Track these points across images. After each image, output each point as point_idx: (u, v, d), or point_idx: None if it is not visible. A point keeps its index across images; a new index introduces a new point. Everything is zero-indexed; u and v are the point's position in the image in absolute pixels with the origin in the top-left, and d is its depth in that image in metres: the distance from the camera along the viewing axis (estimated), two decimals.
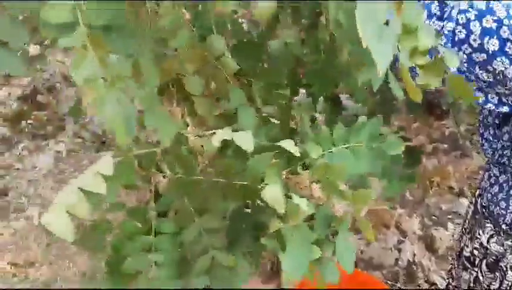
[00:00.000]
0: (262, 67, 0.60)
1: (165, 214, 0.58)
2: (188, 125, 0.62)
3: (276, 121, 0.64)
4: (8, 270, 2.12)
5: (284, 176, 0.53)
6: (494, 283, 0.96)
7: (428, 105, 2.71)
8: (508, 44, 0.66)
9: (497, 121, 0.91)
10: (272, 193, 0.46)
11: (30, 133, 2.88)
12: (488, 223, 0.97)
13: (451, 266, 1.18)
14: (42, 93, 3.05)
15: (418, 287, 2.06)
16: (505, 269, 0.94)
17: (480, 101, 0.74)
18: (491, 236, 0.97)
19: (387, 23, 0.38)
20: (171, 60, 0.58)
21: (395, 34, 0.39)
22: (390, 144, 0.56)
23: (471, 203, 1.09)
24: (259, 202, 0.52)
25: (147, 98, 0.48)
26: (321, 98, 0.77)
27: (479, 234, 0.99)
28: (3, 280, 2.08)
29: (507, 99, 0.73)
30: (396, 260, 2.15)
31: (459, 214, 2.38)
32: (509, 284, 0.93)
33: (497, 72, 0.68)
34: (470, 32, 0.68)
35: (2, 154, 2.75)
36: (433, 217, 2.39)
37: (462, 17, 0.68)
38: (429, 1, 0.72)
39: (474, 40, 0.68)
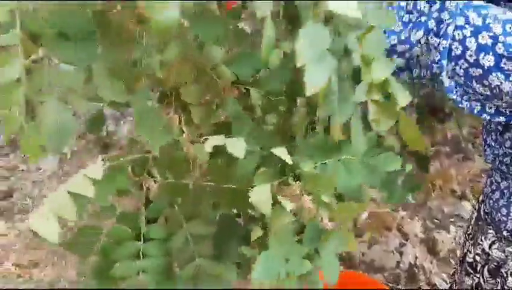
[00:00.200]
0: (261, 76, 0.60)
1: (155, 221, 0.58)
2: (183, 132, 0.63)
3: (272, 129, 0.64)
4: (13, 271, 2.14)
5: (276, 187, 0.53)
6: (495, 289, 0.97)
7: (430, 108, 2.70)
8: (504, 60, 0.67)
9: (499, 127, 0.91)
10: (259, 194, 0.46)
11: None
12: (490, 229, 0.98)
13: (454, 270, 1.18)
14: None
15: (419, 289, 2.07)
16: (505, 275, 0.94)
17: (476, 111, 0.75)
18: (493, 242, 0.97)
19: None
20: (167, 70, 0.58)
21: (334, 63, 0.39)
22: (387, 160, 0.55)
23: (474, 209, 1.10)
24: (249, 211, 0.53)
25: (138, 108, 0.49)
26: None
27: (481, 240, 0.99)
28: (8, 280, 2.09)
29: (505, 110, 0.73)
30: (398, 262, 2.15)
31: (461, 217, 2.38)
32: None
33: (492, 86, 0.69)
34: (465, 49, 0.69)
35: (6, 155, 2.77)
36: (435, 220, 2.39)
37: (458, 34, 0.69)
38: (424, 17, 0.72)
39: (470, 55, 0.69)
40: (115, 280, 0.56)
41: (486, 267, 0.98)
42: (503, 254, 0.95)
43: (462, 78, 0.71)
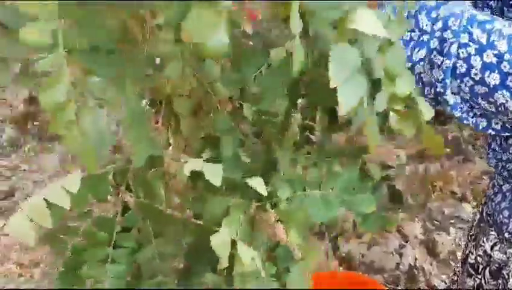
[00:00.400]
0: (255, 92, 0.60)
1: (129, 229, 0.59)
2: (170, 145, 0.63)
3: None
4: (14, 270, 2.15)
5: (252, 211, 0.54)
6: None
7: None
8: (509, 78, 0.66)
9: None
10: (220, 242, 0.47)
11: (36, 134, 2.91)
12: (492, 231, 0.98)
13: (454, 272, 1.19)
14: None
15: None
16: (507, 276, 0.95)
17: (481, 127, 0.75)
18: (495, 244, 0.97)
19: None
20: (162, 81, 0.58)
21: (365, 83, 0.40)
22: (362, 201, 0.57)
23: (477, 211, 1.10)
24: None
25: (130, 115, 0.49)
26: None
27: (483, 242, 1.00)
28: (10, 279, 2.11)
29: (510, 126, 0.73)
30: (398, 264, 2.16)
31: (462, 219, 2.38)
32: None
33: (498, 104, 0.69)
34: (470, 67, 0.69)
35: (8, 155, 2.79)
36: (435, 221, 2.39)
37: (463, 52, 0.69)
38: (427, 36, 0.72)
39: (476, 74, 0.69)
40: (82, 279, 0.57)
41: (488, 268, 0.99)
42: (504, 256, 0.95)
43: (468, 95, 0.71)
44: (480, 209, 1.07)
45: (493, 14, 0.81)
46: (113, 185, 0.56)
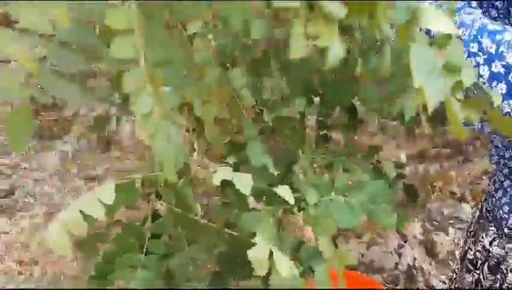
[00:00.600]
0: (274, 99, 0.61)
1: (159, 236, 0.60)
2: (194, 150, 0.63)
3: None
4: (14, 268, 2.15)
5: (280, 215, 0.54)
6: (495, 285, 0.99)
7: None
8: None
9: None
10: (257, 255, 0.47)
11: (37, 133, 2.90)
12: (491, 226, 1.00)
13: (453, 271, 1.21)
14: None
15: None
16: (505, 271, 0.96)
17: (486, 132, 0.77)
18: (494, 239, 0.99)
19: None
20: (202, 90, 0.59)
21: (444, 76, 0.43)
22: (384, 213, 0.57)
23: (477, 207, 1.12)
24: None
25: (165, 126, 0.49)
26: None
27: (482, 237, 1.01)
28: (10, 277, 2.11)
29: None
30: (397, 263, 2.17)
31: (461, 219, 2.39)
32: (509, 286, 0.96)
33: (503, 113, 0.71)
34: (478, 76, 0.70)
35: (9, 153, 2.78)
36: (435, 222, 2.40)
37: (472, 61, 0.70)
38: None
39: (483, 83, 0.70)
40: (113, 284, 0.58)
41: (487, 263, 1.00)
42: (503, 251, 0.97)
43: None
44: (479, 207, 1.09)
45: (499, 15, 0.83)
46: (142, 193, 0.57)
